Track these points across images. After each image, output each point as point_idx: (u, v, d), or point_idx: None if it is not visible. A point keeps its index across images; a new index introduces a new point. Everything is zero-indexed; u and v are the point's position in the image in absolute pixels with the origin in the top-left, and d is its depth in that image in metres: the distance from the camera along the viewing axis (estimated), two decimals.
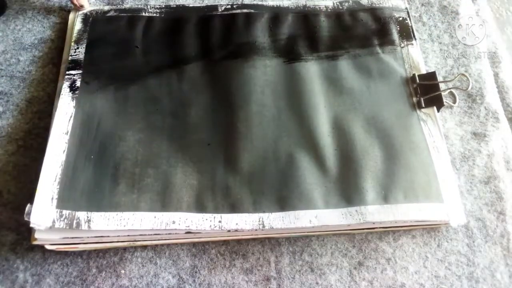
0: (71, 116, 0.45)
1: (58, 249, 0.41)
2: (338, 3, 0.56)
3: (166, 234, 0.41)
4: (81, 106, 0.46)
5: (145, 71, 0.49)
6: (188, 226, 0.41)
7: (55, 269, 0.42)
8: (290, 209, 0.42)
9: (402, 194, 0.43)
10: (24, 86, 0.51)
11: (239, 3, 0.55)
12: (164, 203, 0.42)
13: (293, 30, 0.53)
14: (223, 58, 0.50)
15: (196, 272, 0.42)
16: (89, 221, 0.40)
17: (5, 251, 0.43)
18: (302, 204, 0.42)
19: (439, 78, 0.51)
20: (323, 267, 0.43)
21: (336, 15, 0.54)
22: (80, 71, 0.49)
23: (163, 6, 0.55)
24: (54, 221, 0.39)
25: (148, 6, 0.55)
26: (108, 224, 0.40)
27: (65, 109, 0.46)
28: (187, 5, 0.55)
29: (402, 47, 0.52)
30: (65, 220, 0.40)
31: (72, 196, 0.41)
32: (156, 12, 0.54)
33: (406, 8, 0.55)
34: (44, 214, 0.39)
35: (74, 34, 0.52)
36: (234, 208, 0.42)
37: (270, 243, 0.44)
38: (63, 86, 0.47)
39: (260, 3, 0.55)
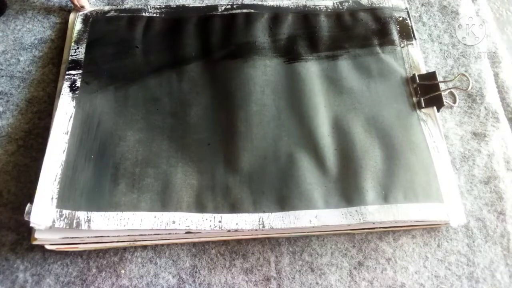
0: (71, 116, 0.46)
1: (58, 249, 0.41)
2: (338, 3, 0.56)
3: (166, 234, 0.41)
4: (81, 106, 0.46)
5: (145, 71, 0.49)
6: (188, 226, 0.41)
7: (55, 269, 0.42)
8: (290, 209, 0.42)
9: (402, 194, 0.43)
10: (24, 86, 0.51)
11: (239, 3, 0.55)
12: (164, 203, 0.42)
13: (293, 30, 0.53)
14: (223, 58, 0.50)
15: (196, 272, 0.42)
16: (89, 221, 0.40)
17: (5, 251, 0.43)
18: (302, 204, 0.42)
19: (439, 78, 0.51)
20: (323, 267, 0.43)
21: (336, 15, 0.54)
22: (80, 71, 0.49)
23: (163, 6, 0.55)
24: (54, 221, 0.39)
25: (148, 6, 0.55)
26: (108, 224, 0.40)
27: (65, 109, 0.46)
28: (187, 5, 0.55)
29: (402, 47, 0.52)
30: (65, 220, 0.40)
31: (72, 196, 0.41)
32: (156, 12, 0.54)
33: (406, 8, 0.55)
34: (44, 214, 0.39)
35: (74, 34, 0.52)
36: (234, 208, 0.42)
37: (270, 243, 0.44)
38: (63, 86, 0.47)
39: (260, 3, 0.55)
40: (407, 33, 0.53)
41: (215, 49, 0.51)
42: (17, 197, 0.45)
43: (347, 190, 0.43)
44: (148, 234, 0.41)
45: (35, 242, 0.40)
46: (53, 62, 0.53)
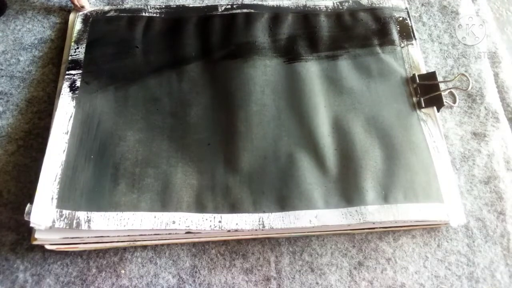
0: (71, 116, 0.46)
1: (58, 249, 0.41)
2: (338, 3, 0.56)
3: (166, 234, 0.41)
4: (81, 106, 0.46)
5: (145, 71, 0.49)
6: (188, 226, 0.41)
7: (55, 269, 0.42)
8: (290, 209, 0.42)
9: (402, 194, 0.43)
10: (24, 86, 0.51)
11: (239, 3, 0.55)
12: (164, 203, 0.42)
13: (293, 30, 0.53)
14: (223, 58, 0.50)
15: (196, 272, 0.42)
16: (89, 221, 0.40)
17: (5, 251, 0.43)
18: (302, 204, 0.42)
19: (439, 78, 0.51)
20: (323, 267, 0.43)
21: (336, 15, 0.54)
22: (80, 71, 0.49)
23: (163, 6, 0.55)
24: (54, 221, 0.39)
25: (148, 6, 0.55)
26: (108, 224, 0.40)
27: (65, 109, 0.46)
28: (187, 5, 0.55)
29: (402, 47, 0.52)
30: (65, 220, 0.40)
31: (72, 196, 0.41)
32: (156, 12, 0.54)
33: (406, 8, 0.55)
34: (44, 214, 0.39)
35: (74, 34, 0.52)
36: (234, 208, 0.42)
37: (270, 243, 0.44)
38: (63, 86, 0.47)
39: (260, 3, 0.55)
40: (407, 33, 0.53)
41: (215, 49, 0.51)
42: (17, 197, 0.45)
43: (347, 190, 0.43)
44: (148, 234, 0.41)
45: (35, 242, 0.40)
46: (53, 62, 0.53)
